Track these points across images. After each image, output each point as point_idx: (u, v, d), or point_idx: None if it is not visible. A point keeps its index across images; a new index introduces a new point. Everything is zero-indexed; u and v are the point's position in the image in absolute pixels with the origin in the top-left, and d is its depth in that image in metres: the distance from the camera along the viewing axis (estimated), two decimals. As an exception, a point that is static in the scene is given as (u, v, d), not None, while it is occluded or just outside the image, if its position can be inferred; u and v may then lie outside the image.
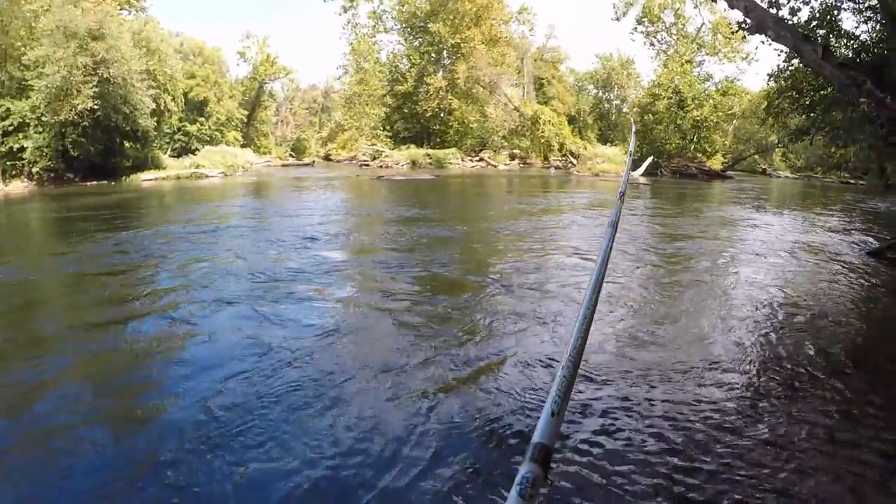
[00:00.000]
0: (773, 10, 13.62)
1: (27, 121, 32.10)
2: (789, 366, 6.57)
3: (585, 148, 55.34)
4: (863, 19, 16.07)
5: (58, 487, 4.42)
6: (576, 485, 4.35)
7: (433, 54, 65.40)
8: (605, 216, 19.53)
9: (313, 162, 63.10)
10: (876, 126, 13.58)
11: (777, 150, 58.75)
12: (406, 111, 67.12)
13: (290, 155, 67.79)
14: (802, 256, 13.32)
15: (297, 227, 16.94)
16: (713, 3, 47.27)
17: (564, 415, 0.98)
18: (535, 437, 0.96)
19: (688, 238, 15.77)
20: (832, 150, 35.56)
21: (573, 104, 71.70)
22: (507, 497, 0.81)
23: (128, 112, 34.58)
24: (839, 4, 15.54)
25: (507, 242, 14.87)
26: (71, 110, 31.45)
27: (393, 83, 68.10)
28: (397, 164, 55.17)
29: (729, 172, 49.58)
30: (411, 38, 68.00)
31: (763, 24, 12.66)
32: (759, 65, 53.38)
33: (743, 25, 13.71)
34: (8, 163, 32.59)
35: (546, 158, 56.36)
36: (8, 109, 32.06)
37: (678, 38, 54.24)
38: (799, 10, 14.80)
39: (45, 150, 32.30)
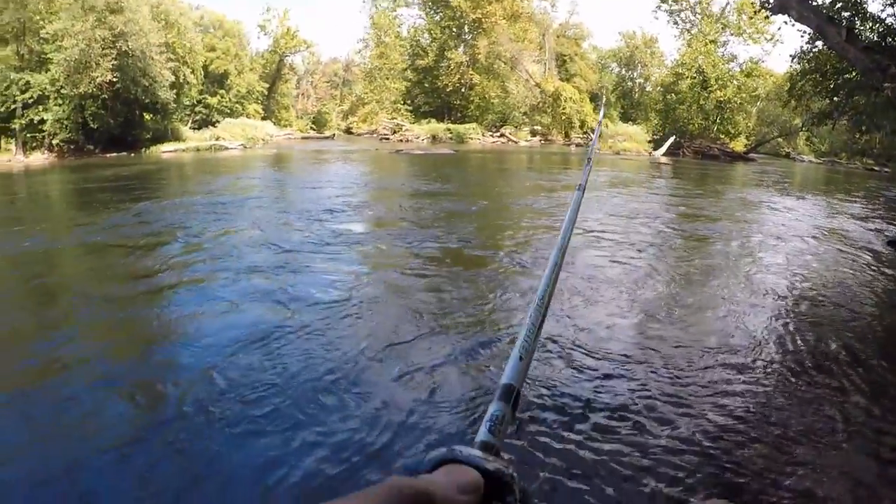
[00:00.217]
0: (798, -9, 13.32)
1: (47, 93, 32.30)
2: (805, 355, 6.42)
3: (607, 126, 54.83)
4: (889, 2, 15.67)
5: (77, 443, 4.58)
6: (578, 469, 4.28)
7: (454, 29, 64.96)
8: (627, 195, 19.47)
9: (333, 135, 63.10)
10: (900, 112, 13.33)
11: (801, 133, 58.03)
12: (427, 85, 66.87)
13: (311, 128, 67.83)
14: (823, 242, 13.10)
15: (314, 199, 16.98)
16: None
17: (532, 359, 1.03)
18: (504, 379, 0.98)
19: (708, 219, 15.61)
20: (856, 136, 34.97)
21: (595, 82, 71.06)
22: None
23: (147, 84, 34.70)
24: (865, -14, 15.20)
25: (526, 218, 14.77)
26: (90, 83, 31.61)
27: (414, 57, 67.81)
28: (417, 138, 55.00)
29: (751, 155, 49.06)
30: (432, 12, 67.54)
31: (786, 3, 12.43)
32: (785, 46, 52.43)
33: (766, 5, 13.46)
34: (28, 135, 32.85)
35: (567, 135, 56.00)
36: (28, 82, 32.21)
37: (702, 17, 53.48)
38: (823, -10, 14.50)
39: (64, 122, 32.53)
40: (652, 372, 5.82)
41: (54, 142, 33.01)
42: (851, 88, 16.89)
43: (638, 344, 6.56)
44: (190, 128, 46.28)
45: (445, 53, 63.51)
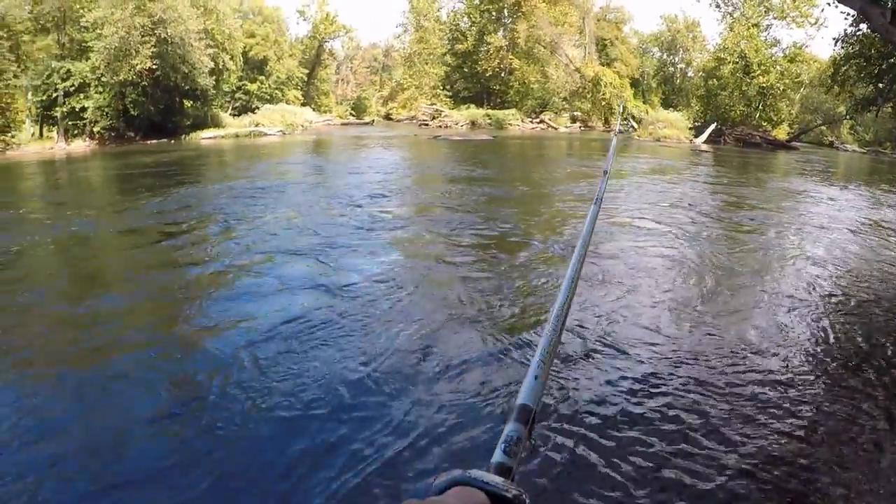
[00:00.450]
0: (840, -28, 12.95)
1: (88, 81, 32.93)
2: (837, 354, 6.21)
3: (647, 112, 54.19)
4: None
5: (119, 421, 4.79)
6: (599, 460, 4.23)
7: (493, 13, 64.62)
8: (667, 183, 19.26)
9: (373, 121, 63.43)
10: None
11: (845, 122, 56.89)
12: (466, 70, 66.71)
13: (351, 114, 68.21)
14: (867, 234, 12.72)
15: (354, 184, 17.11)
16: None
17: (547, 378, 1.01)
18: (520, 399, 0.96)
19: (750, 209, 15.34)
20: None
21: (636, 67, 70.28)
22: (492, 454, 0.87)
23: (186, 71, 35.10)
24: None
25: (567, 204, 14.71)
26: (130, 70, 32.09)
27: (453, 42, 67.70)
28: (457, 123, 54.97)
29: (794, 143, 48.10)
30: (472, -5, 67.29)
31: (829, -14, 12.09)
32: (829, 31, 51.41)
33: (808, -12, 13.12)
34: (70, 122, 33.52)
35: (607, 122, 55.48)
36: (69, 71, 32.79)
37: (745, 1, 52.61)
38: (867, -28, 14.08)
39: (105, 109, 33.11)
40: (683, 376, 5.61)
41: (95, 129, 33.56)
42: (896, 74, 16.46)
43: (670, 344, 6.33)
44: (230, 114, 46.84)
45: (485, 38, 63.23)
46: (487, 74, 63.81)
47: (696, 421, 4.80)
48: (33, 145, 32.66)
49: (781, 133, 49.48)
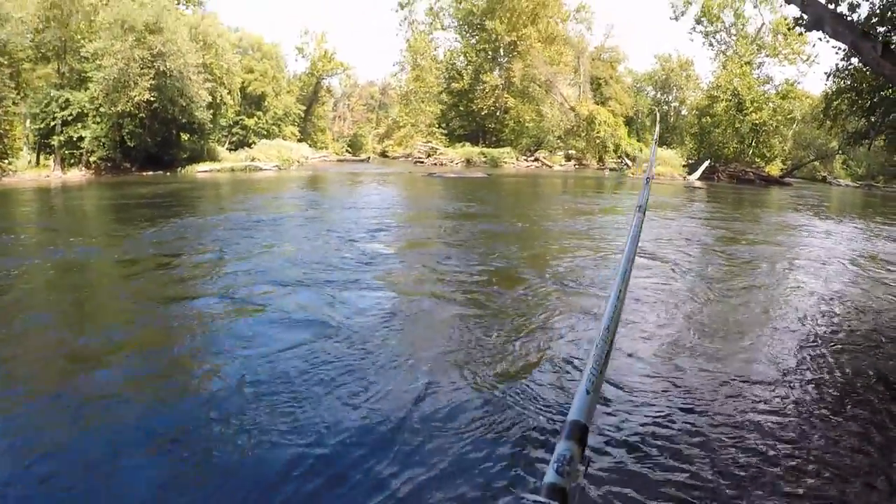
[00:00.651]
0: (832, 6, 13.14)
1: (86, 111, 33.09)
2: (840, 386, 6.10)
3: (641, 150, 54.57)
4: (927, 16, 15.43)
5: (112, 441, 4.70)
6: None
7: (489, 52, 65.33)
8: (664, 219, 19.31)
9: (369, 158, 63.64)
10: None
11: (837, 157, 57.24)
12: (462, 109, 67.17)
13: (347, 150, 68.48)
14: (861, 268, 12.66)
15: (349, 219, 16.97)
16: (772, 3, 46.32)
17: (599, 393, 0.97)
18: (571, 415, 0.94)
19: (747, 242, 15.32)
20: (894, 157, 34.44)
21: (631, 105, 70.90)
22: (544, 474, 0.83)
23: (184, 104, 35.28)
24: (902, 0, 14.94)
25: (563, 240, 14.61)
26: (128, 102, 32.26)
27: (449, 80, 68.23)
28: (452, 161, 55.18)
29: (787, 179, 48.36)
30: (468, 35, 68.04)
31: (820, 19, 12.23)
32: (821, 67, 51.80)
33: (800, 21, 13.29)
34: (67, 151, 33.63)
35: (601, 160, 55.85)
36: (67, 100, 32.97)
37: (738, 39, 53.18)
38: (858, 5, 14.23)
39: (102, 139, 33.23)
40: (670, 398, 5.63)
41: (92, 159, 33.66)
42: (888, 106, 16.59)
43: (666, 371, 6.31)
44: (227, 148, 47.11)
45: (481, 76, 63.82)
46: (483, 113, 64.27)
47: (695, 452, 4.81)
48: (30, 173, 32.65)
49: (775, 169, 49.71)
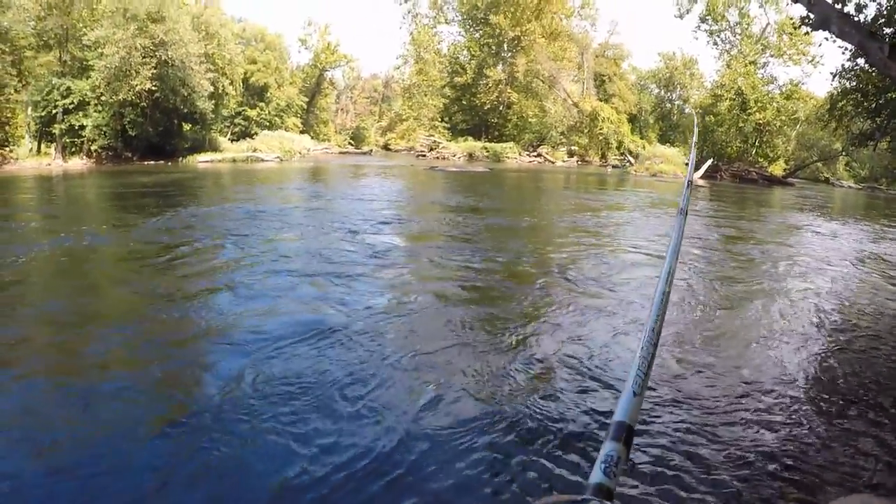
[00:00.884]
0: (838, 6, 13.02)
1: (87, 100, 32.98)
2: (845, 390, 6.02)
3: (644, 147, 54.42)
4: (935, 18, 15.28)
5: (115, 431, 4.74)
6: None
7: (493, 47, 65.09)
8: (670, 216, 19.26)
9: (371, 150, 63.62)
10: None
11: (841, 158, 57.09)
12: (465, 103, 67.00)
13: (350, 143, 68.39)
14: (867, 269, 12.63)
15: (352, 211, 16.99)
16: (778, 3, 46.07)
17: (645, 394, 0.96)
18: (617, 416, 0.94)
19: (753, 242, 15.33)
20: (898, 160, 34.29)
21: (634, 103, 70.72)
22: (588, 475, 0.85)
23: (186, 94, 35.20)
24: (910, 1, 14.79)
25: (569, 237, 14.54)
26: (129, 90, 32.17)
27: (452, 74, 68.02)
28: (454, 155, 55.07)
29: (790, 179, 48.25)
30: (472, 29, 67.79)
31: (827, 19, 12.12)
32: (826, 68, 51.49)
33: (806, 21, 13.16)
34: (68, 140, 33.48)
35: (604, 156, 55.68)
36: (69, 88, 32.86)
37: (742, 38, 52.89)
38: (865, 6, 14.10)
39: (103, 128, 33.14)
40: (673, 404, 5.52)
41: (93, 147, 33.59)
42: (894, 108, 16.47)
43: (670, 371, 6.26)
44: (229, 139, 47.06)
45: (484, 71, 63.58)
46: (486, 107, 64.15)
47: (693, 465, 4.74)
48: (30, 161, 32.57)
49: (777, 169, 49.61)
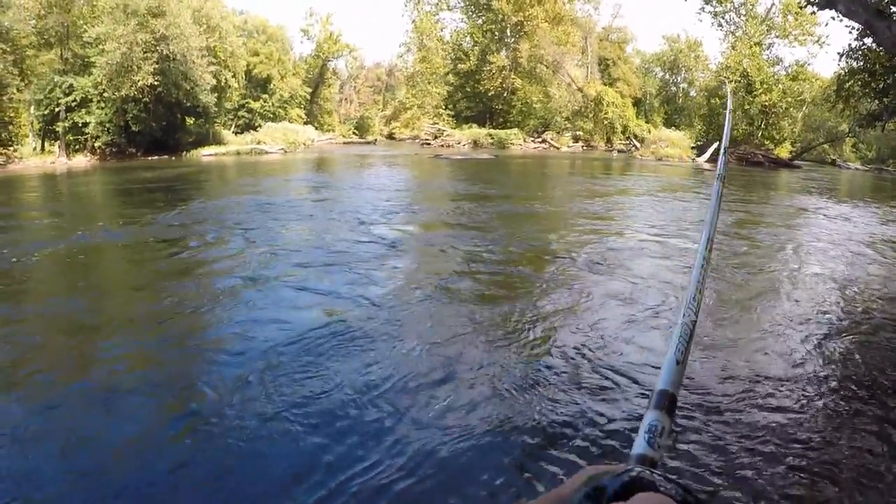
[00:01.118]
0: (845, -16, 12.84)
1: (90, 97, 32.95)
2: (861, 379, 5.87)
3: (650, 131, 54.16)
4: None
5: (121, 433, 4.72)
6: None
7: (496, 32, 64.73)
8: (677, 200, 19.29)
9: (375, 140, 63.47)
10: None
11: (847, 140, 56.76)
12: (469, 90, 66.72)
13: (354, 133, 68.14)
14: (882, 253, 12.51)
15: (360, 201, 17.01)
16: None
17: (687, 362, 0.94)
18: (660, 385, 0.91)
19: (764, 225, 15.26)
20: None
21: (639, 86, 70.35)
22: (631, 443, 0.85)
23: (188, 88, 35.11)
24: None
25: (581, 223, 14.50)
26: (132, 86, 32.11)
27: (456, 61, 67.70)
28: (459, 143, 54.94)
29: (796, 162, 47.96)
30: (474, 15, 67.41)
31: (833, -2, 11.99)
32: (831, 48, 51.21)
33: (812, 0, 13.01)
34: (72, 137, 33.50)
35: (609, 141, 55.42)
36: (71, 85, 32.85)
37: (747, 19, 52.51)
38: (873, -17, 13.96)
39: (107, 125, 33.14)
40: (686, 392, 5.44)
41: (96, 144, 33.58)
42: (902, 88, 16.30)
43: (706, 358, 6.14)
44: (233, 132, 47.05)
45: (487, 57, 63.26)
46: (490, 94, 63.85)
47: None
48: (35, 159, 32.61)
49: (784, 152, 49.33)
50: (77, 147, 33.97)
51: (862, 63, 17.18)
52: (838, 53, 17.55)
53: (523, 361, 5.83)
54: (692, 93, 71.49)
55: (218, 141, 40.95)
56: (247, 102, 53.43)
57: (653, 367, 5.66)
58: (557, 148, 54.87)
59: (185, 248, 11.00)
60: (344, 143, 59.14)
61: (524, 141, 57.29)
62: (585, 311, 7.45)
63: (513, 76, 62.52)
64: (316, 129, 58.81)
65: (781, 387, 5.54)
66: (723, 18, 55.29)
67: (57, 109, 32.93)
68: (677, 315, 0.99)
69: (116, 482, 4.10)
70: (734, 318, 7.60)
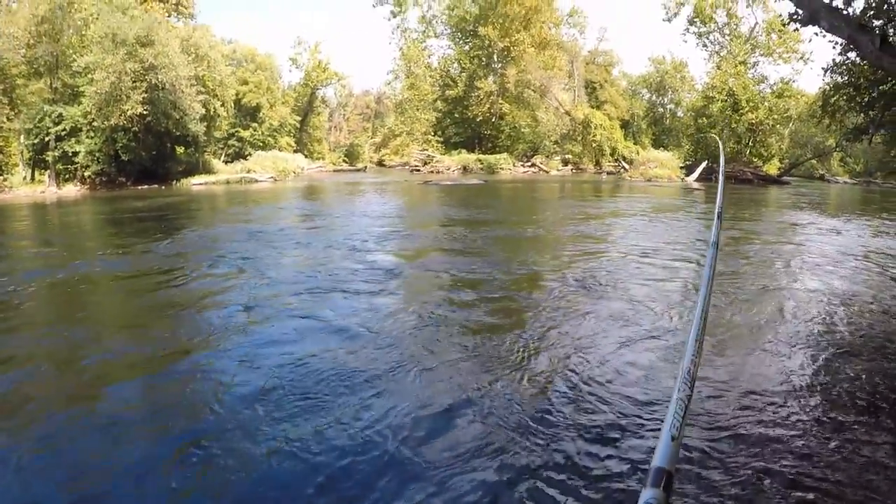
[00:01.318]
0: (826, 0, 12.99)
1: (79, 126, 33.05)
2: (861, 396, 5.81)
3: (638, 153, 54.48)
4: (926, 7, 15.21)
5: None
6: None
7: (483, 58, 65.37)
8: (669, 220, 19.29)
9: (365, 167, 63.72)
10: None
11: (835, 154, 57.12)
12: (457, 116, 67.21)
13: (344, 160, 68.30)
14: (877, 266, 12.52)
15: (351, 229, 16.90)
16: (765, 2, 46.16)
17: (682, 439, 0.96)
18: (656, 462, 0.93)
19: (757, 241, 15.24)
20: (893, 153, 34.22)
21: (626, 108, 70.83)
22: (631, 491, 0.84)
23: (178, 117, 35.19)
24: (899, -9, 14.72)
25: (574, 245, 14.42)
26: (121, 115, 32.18)
27: (444, 88, 68.25)
28: (448, 168, 55.25)
29: (785, 178, 48.21)
30: (461, 42, 68.17)
31: (815, 14, 12.07)
32: (816, 64, 51.45)
33: (794, 17, 13.12)
34: (61, 166, 33.51)
35: (598, 163, 55.69)
36: (61, 115, 32.91)
37: (731, 39, 53.05)
38: (854, -2, 14.13)
39: (96, 154, 33.19)
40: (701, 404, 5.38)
41: (86, 174, 33.59)
42: (888, 101, 16.39)
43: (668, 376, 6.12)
44: (224, 160, 47.20)
45: (475, 83, 63.78)
46: (478, 119, 64.31)
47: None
48: (25, 189, 32.58)
49: (772, 168, 49.58)
50: (67, 176, 33.96)
51: (846, 77, 17.28)
52: (823, 69, 17.59)
53: (524, 393, 5.67)
54: (679, 113, 72.03)
55: (208, 170, 41.00)
56: (236, 131, 53.57)
57: (658, 402, 5.48)
58: (547, 171, 55.10)
59: (182, 277, 10.91)
60: (334, 170, 59.37)
61: (513, 165, 57.54)
62: (584, 337, 7.28)
63: (501, 101, 63.04)
64: (306, 157, 59.02)
65: (785, 404, 5.47)
66: (707, 39, 55.92)
67: (47, 139, 32.92)
68: (672, 390, 1.04)
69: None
70: (733, 335, 7.56)
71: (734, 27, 53.48)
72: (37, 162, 34.70)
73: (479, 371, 6.18)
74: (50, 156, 33.18)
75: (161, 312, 8.74)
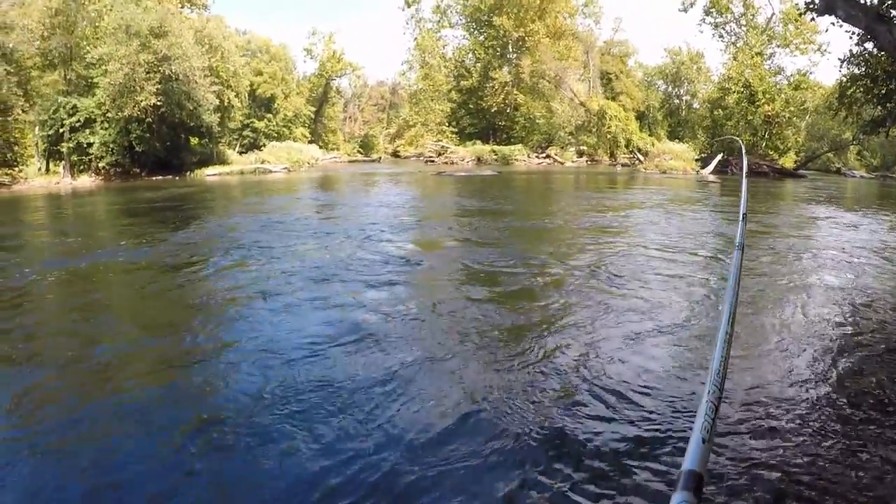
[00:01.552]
0: (844, -11, 12.79)
1: (94, 117, 33.16)
2: (865, 395, 5.75)
3: (653, 144, 54.09)
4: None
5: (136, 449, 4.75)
6: None
7: (498, 48, 65.11)
8: (686, 212, 19.20)
9: (380, 158, 63.73)
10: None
11: (851, 148, 56.62)
12: (472, 106, 67.00)
13: (359, 151, 68.34)
14: (879, 264, 12.24)
15: (366, 220, 16.91)
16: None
17: (714, 441, 0.95)
18: (687, 465, 0.94)
19: (770, 235, 15.06)
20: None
21: (642, 100, 70.37)
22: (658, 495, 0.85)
23: (191, 108, 35.23)
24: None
25: (592, 237, 14.38)
26: (135, 106, 32.22)
27: (458, 78, 68.07)
28: (462, 159, 55.09)
29: (801, 171, 47.71)
30: (476, 32, 67.91)
31: (832, 3, 11.94)
32: (834, 56, 51.02)
33: (811, 6, 12.96)
34: (76, 157, 33.65)
35: (613, 155, 55.36)
36: (75, 106, 33.04)
37: (748, 30, 52.68)
38: (872, -13, 13.90)
39: (110, 145, 33.26)
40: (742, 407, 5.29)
41: (101, 164, 33.71)
42: (904, 92, 16.18)
43: (680, 378, 6.01)
44: (238, 151, 47.32)
45: (489, 73, 63.60)
46: (493, 110, 64.13)
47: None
48: (39, 180, 32.77)
49: (788, 161, 49.11)
50: (81, 167, 34.12)
51: (863, 69, 17.07)
52: (839, 59, 17.38)
53: (547, 393, 5.57)
54: (695, 105, 71.49)
55: (222, 161, 41.17)
56: (251, 122, 53.69)
57: (683, 399, 5.40)
58: (561, 163, 54.89)
59: (201, 268, 11.02)
60: (349, 161, 59.42)
61: (528, 157, 57.38)
62: (606, 334, 7.18)
63: (515, 92, 62.80)
64: (320, 147, 59.10)
65: (809, 404, 5.40)
66: (723, 30, 55.56)
67: (61, 130, 33.09)
68: (701, 394, 1.02)
69: (137, 493, 4.13)
70: (752, 332, 7.43)
71: (751, 17, 53.14)
72: (52, 153, 34.88)
73: (499, 369, 6.12)
74: (65, 147, 33.35)
75: (181, 302, 8.85)
